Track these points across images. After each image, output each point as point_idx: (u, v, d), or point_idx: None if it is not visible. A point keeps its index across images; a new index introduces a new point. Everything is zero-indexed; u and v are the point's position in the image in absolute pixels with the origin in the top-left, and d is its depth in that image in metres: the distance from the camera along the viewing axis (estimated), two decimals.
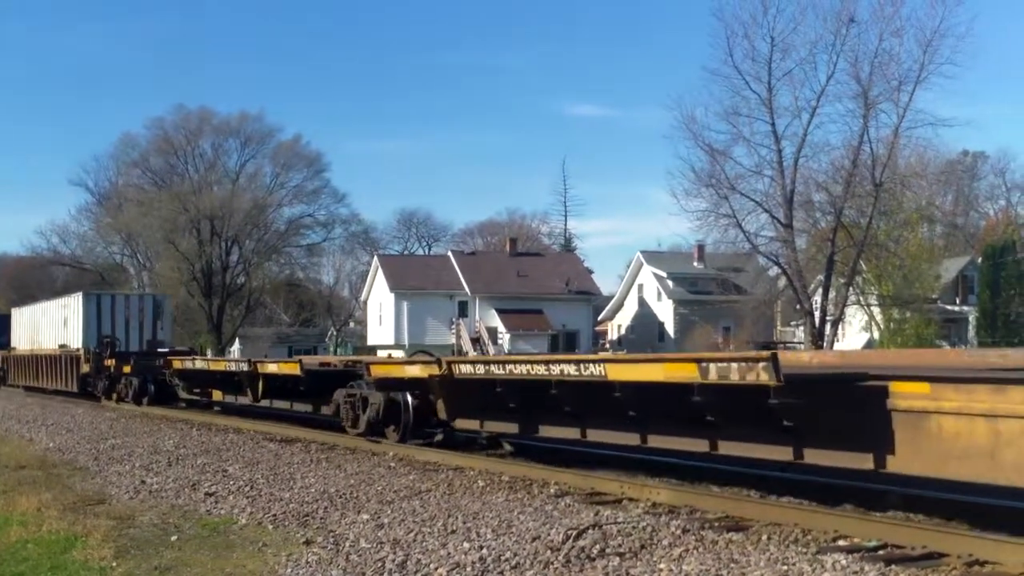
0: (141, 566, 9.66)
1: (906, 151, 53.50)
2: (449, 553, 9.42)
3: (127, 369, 32.60)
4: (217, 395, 26.81)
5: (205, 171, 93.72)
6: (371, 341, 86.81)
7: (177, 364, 27.75)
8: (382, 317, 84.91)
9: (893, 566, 8.39)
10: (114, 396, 33.61)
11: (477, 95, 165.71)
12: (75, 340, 38.11)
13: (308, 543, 10.30)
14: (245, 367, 22.06)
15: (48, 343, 42.31)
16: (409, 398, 16.56)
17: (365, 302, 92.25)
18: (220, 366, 25.11)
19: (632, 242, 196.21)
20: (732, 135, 53.87)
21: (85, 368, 35.63)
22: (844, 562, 8.47)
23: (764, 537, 9.60)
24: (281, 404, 22.96)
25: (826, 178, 54.03)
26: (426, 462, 15.78)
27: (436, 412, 15.82)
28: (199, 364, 26.90)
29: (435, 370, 14.92)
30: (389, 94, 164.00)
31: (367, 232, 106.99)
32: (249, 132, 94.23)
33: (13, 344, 49.13)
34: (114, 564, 9.75)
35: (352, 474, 14.83)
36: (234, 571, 9.38)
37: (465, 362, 14.89)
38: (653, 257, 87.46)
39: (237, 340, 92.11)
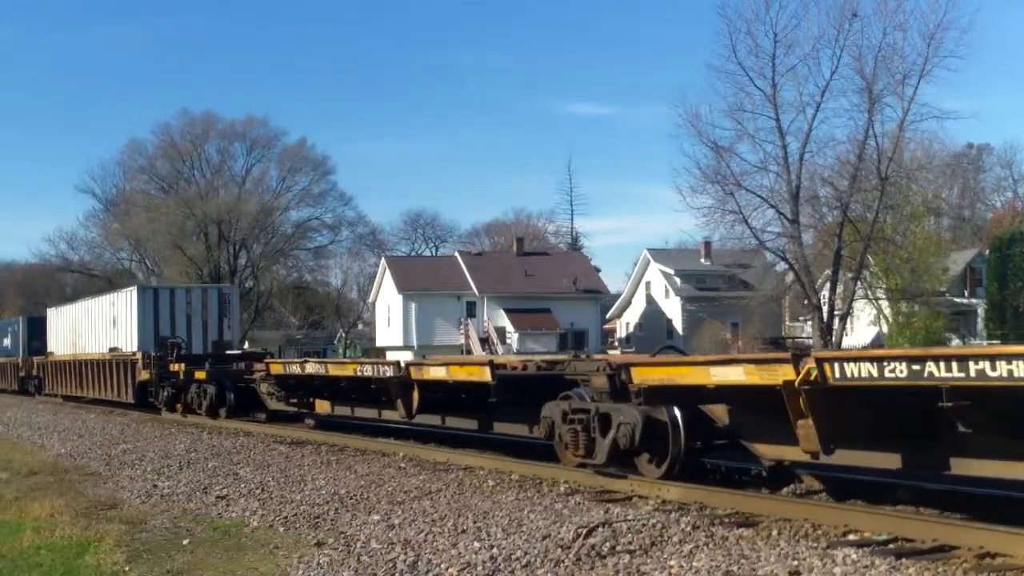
0: (153, 570, 9.72)
1: (911, 144, 53.45)
2: (460, 553, 9.45)
3: (201, 375, 27.22)
4: (322, 407, 21.74)
5: (212, 175, 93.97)
6: (380, 343, 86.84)
7: (277, 369, 22.48)
8: (390, 318, 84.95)
9: (904, 559, 8.40)
10: (178, 407, 28.86)
11: (480, 95, 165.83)
12: (128, 342, 32.99)
13: (319, 545, 10.34)
14: (391, 372, 17.14)
15: (93, 346, 36.96)
16: (678, 415, 11.76)
17: (373, 304, 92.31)
18: (347, 371, 19.12)
19: (639, 240, 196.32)
20: (737, 131, 53.88)
21: (144, 375, 30.53)
22: (855, 556, 8.49)
23: (774, 532, 9.62)
24: (429, 419, 18.02)
25: (832, 173, 54.02)
26: (436, 462, 15.81)
27: (796, 437, 10.15)
28: (313, 369, 20.49)
29: (789, 373, 9.93)
30: (392, 95, 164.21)
31: (374, 234, 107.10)
32: (255, 136, 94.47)
33: (50, 348, 43.90)
34: (127, 568, 9.81)
35: (362, 475, 14.87)
36: (246, 574, 9.44)
37: (855, 359, 9.47)
38: (660, 254, 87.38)
39: (247, 343, 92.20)
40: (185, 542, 10.95)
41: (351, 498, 12.97)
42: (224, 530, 11.55)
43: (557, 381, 13.56)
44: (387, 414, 18.92)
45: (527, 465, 14.38)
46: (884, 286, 57.52)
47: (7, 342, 53.06)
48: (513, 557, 9.15)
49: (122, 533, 11.51)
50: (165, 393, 29.51)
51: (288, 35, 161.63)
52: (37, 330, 47.72)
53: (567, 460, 13.28)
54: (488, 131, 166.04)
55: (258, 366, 24.53)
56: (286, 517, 11.97)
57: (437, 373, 16.12)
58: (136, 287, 34.34)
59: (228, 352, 30.83)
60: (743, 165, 53.76)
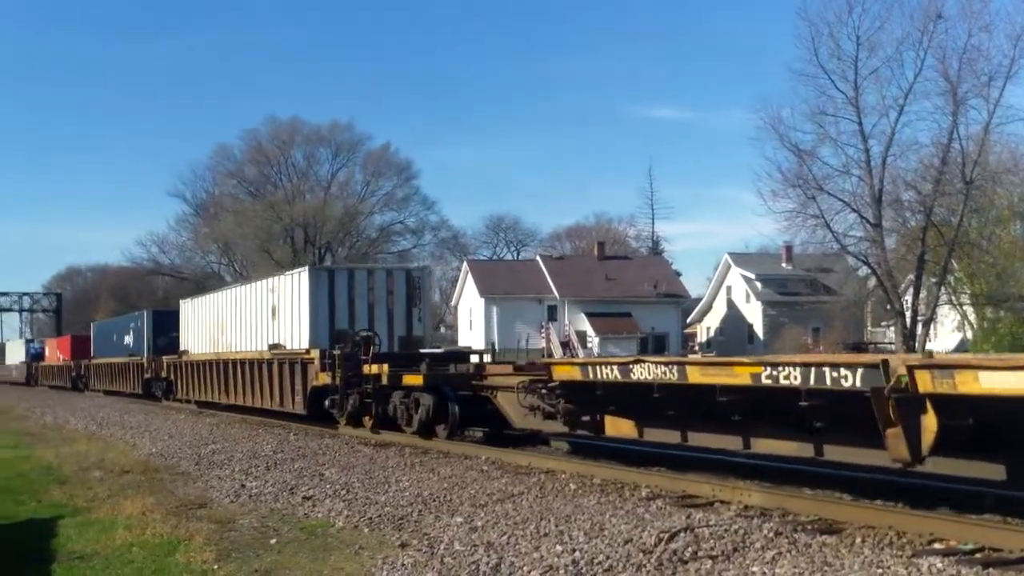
0: (242, 568, 9.91)
1: (997, 147, 52.45)
2: (542, 556, 9.52)
3: (414, 380, 20.12)
4: (619, 427, 15.04)
5: (298, 180, 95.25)
6: (462, 345, 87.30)
7: (568, 373, 14.90)
8: (472, 322, 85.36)
9: (991, 569, 8.33)
10: (366, 420, 22.32)
11: (562, 101, 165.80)
12: (295, 337, 26.39)
13: (403, 546, 10.47)
14: (862, 379, 9.87)
15: (244, 343, 30.53)
16: None
17: (455, 307, 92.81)
18: (733, 377, 11.53)
19: (719, 244, 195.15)
20: (819, 135, 53.28)
21: (321, 379, 23.77)
22: (940, 565, 8.43)
23: (858, 540, 9.57)
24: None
25: (915, 176, 53.19)
26: (518, 465, 15.91)
27: None
28: (650, 374, 12.79)
29: None
30: (474, 101, 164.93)
31: (456, 238, 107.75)
32: (340, 141, 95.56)
33: (184, 346, 37.31)
34: (215, 567, 10.01)
35: (445, 477, 15.00)
36: (331, 574, 9.59)
37: None
38: (741, 259, 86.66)
39: None
40: (272, 542, 11.15)
41: (434, 500, 13.11)
42: (310, 530, 11.74)
43: None
44: (783, 446, 12.39)
45: (609, 469, 14.43)
46: (969, 291, 56.48)
47: (128, 340, 48.00)
48: (595, 561, 9.20)
49: (211, 532, 11.74)
50: (351, 402, 22.63)
51: (372, 42, 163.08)
52: (164, 325, 42.63)
53: None
54: (569, 136, 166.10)
55: (495, 369, 19.86)
56: (370, 518, 12.13)
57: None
58: (308, 267, 27.02)
59: (431, 351, 24.67)
60: (825, 169, 53.20)
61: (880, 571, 8.39)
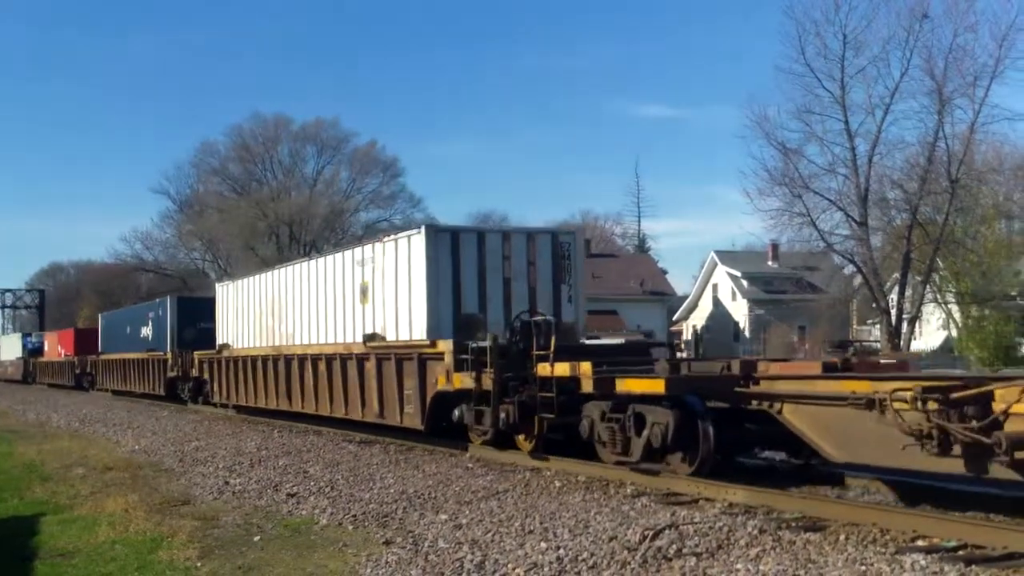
0: (225, 566, 9.90)
1: (982, 147, 52.58)
2: (526, 553, 9.53)
3: (644, 387, 13.29)
4: None
5: (283, 177, 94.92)
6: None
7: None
8: None
9: (973, 566, 8.36)
10: (521, 441, 16.29)
11: (549, 98, 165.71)
12: (404, 324, 19.30)
13: (388, 543, 10.47)
14: None
15: (316, 334, 23.55)
16: None
17: None
18: None
19: (706, 242, 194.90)
20: (805, 133, 53.29)
21: (456, 381, 17.07)
22: (923, 562, 8.45)
23: (842, 537, 9.60)
24: None
25: (901, 175, 53.28)
26: (503, 463, 15.91)
27: None
28: None
29: None
30: (461, 97, 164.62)
31: None
32: (325, 138, 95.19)
33: (223, 339, 30.82)
34: (199, 564, 9.99)
35: (430, 475, 15.00)
36: (315, 571, 9.58)
37: None
38: (727, 257, 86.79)
39: None
40: (256, 539, 11.13)
41: (419, 497, 13.11)
42: (294, 527, 11.72)
43: None
44: None
45: (593, 467, 14.43)
46: (954, 290, 56.76)
47: (146, 332, 41.51)
48: (579, 558, 9.21)
49: (194, 529, 11.72)
50: (507, 413, 15.79)
51: (355, 38, 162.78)
52: (192, 315, 37.33)
53: None
54: (553, 133, 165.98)
55: (785, 369, 13.00)
56: (355, 515, 12.13)
57: None
58: (424, 227, 19.33)
59: (598, 343, 19.46)
60: (811, 167, 53.22)
61: (864, 568, 8.41)
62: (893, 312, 52.24)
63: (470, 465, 15.97)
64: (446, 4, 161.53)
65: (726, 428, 13.06)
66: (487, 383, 16.12)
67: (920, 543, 9.25)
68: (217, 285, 33.05)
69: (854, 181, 51.89)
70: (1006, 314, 57.63)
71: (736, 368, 13.01)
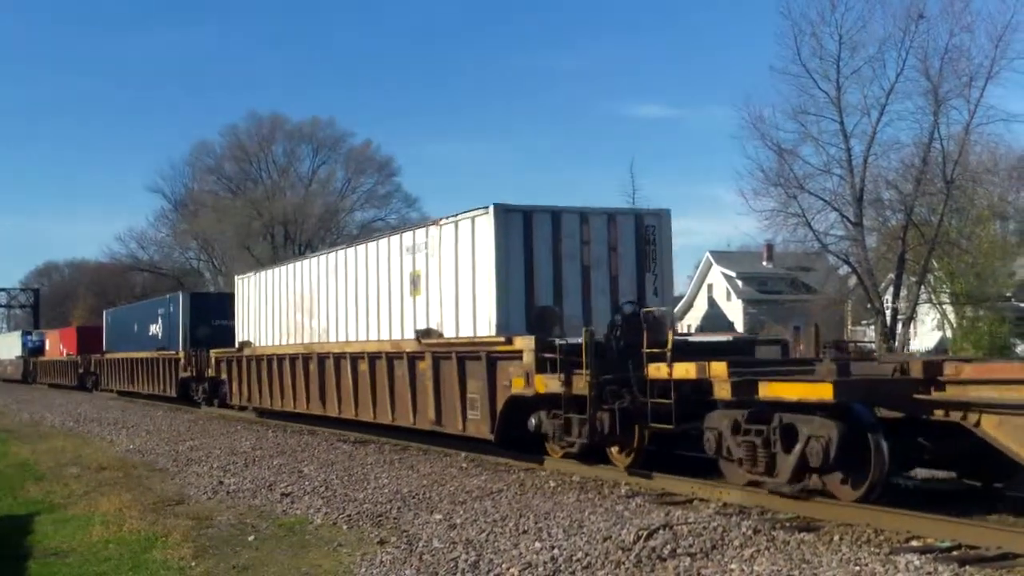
0: (219, 565, 9.89)
1: (977, 148, 52.55)
2: (521, 553, 9.52)
3: (806, 393, 10.77)
4: None
5: (278, 177, 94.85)
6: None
7: None
8: None
9: (968, 566, 8.36)
10: (616, 452, 14.17)
11: (545, 98, 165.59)
12: (466, 318, 16.95)
13: (382, 543, 10.46)
14: None
15: (351, 330, 21.23)
16: None
17: None
18: None
19: (701, 242, 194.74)
20: (800, 134, 53.27)
21: (538, 385, 14.61)
22: (917, 562, 8.46)
23: (836, 537, 9.60)
24: None
25: (896, 176, 53.29)
26: (497, 463, 15.90)
27: None
28: None
29: None
30: (456, 97, 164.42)
31: None
32: (321, 137, 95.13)
33: (244, 337, 28.48)
34: (193, 563, 9.99)
35: (425, 474, 14.99)
36: (310, 570, 9.57)
37: None
38: (722, 257, 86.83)
39: None
40: (250, 538, 11.12)
41: (413, 497, 13.10)
42: (288, 527, 11.71)
43: None
44: None
45: (588, 467, 14.41)
46: (949, 290, 56.83)
47: (155, 329, 39.52)
48: (574, 558, 9.21)
49: (189, 528, 11.71)
50: (602, 423, 13.41)
51: (352, 37, 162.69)
52: (206, 312, 35.62)
53: None
54: (550, 133, 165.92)
55: (982, 372, 10.47)
56: (349, 515, 12.11)
57: None
58: (492, 207, 16.53)
59: (696, 339, 17.75)
60: (806, 168, 53.21)
61: (858, 568, 8.42)
62: (888, 312, 52.34)
63: (464, 465, 15.96)
64: (444, 3, 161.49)
65: (895, 443, 10.85)
66: (580, 387, 13.66)
67: (915, 543, 9.26)
68: (237, 278, 30.49)
69: (849, 182, 51.92)
70: (1001, 315, 57.72)
71: (916, 370, 10.71)
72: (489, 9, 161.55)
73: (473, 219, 16.71)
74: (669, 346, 12.79)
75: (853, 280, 57.49)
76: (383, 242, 20.19)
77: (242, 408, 29.12)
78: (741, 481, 11.78)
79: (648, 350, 13.04)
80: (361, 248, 21.24)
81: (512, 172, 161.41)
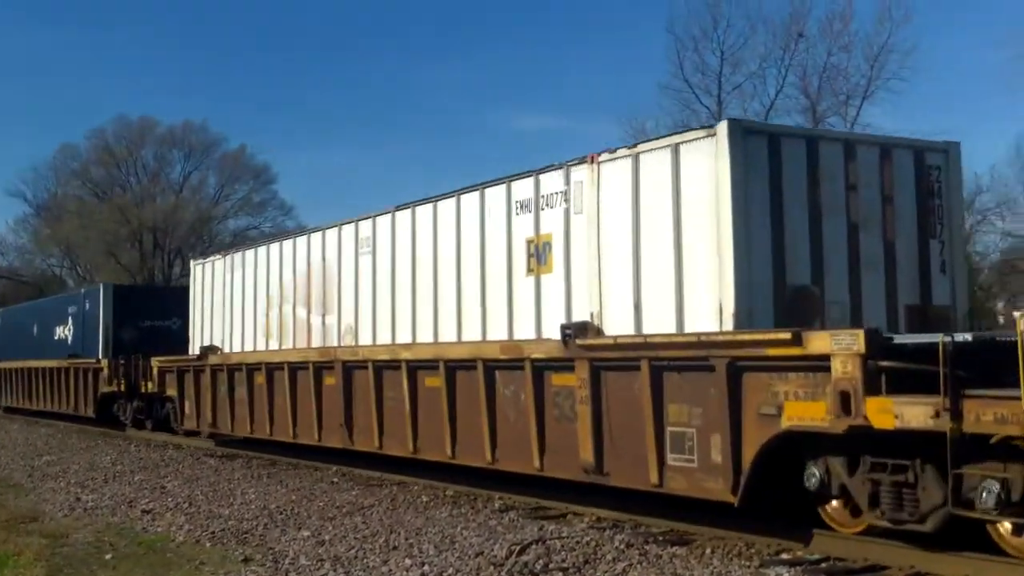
0: None
1: None
2: (391, 570, 9.34)
3: None
4: None
5: (148, 182, 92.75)
6: None
7: None
8: None
9: None
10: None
11: (423, 106, 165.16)
12: (660, 305, 11.06)
13: (247, 561, 10.15)
14: None
15: (407, 329, 15.26)
16: None
17: None
18: None
19: None
20: None
21: (861, 413, 8.36)
22: (787, 575, 8.51)
23: (708, 551, 9.61)
24: None
25: None
26: (369, 477, 15.65)
27: None
28: None
29: None
30: (333, 105, 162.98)
31: None
32: (193, 142, 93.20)
33: (205, 341, 21.79)
34: None
35: (294, 490, 14.69)
36: None
37: None
38: None
39: None
40: (107, 557, 10.70)
41: (281, 513, 12.79)
42: (149, 545, 11.31)
43: None
44: None
45: (459, 482, 14.24)
46: None
47: (63, 332, 32.26)
48: (444, 575, 9.05)
49: (42, 547, 11.24)
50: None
51: (225, 41, 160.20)
52: (135, 310, 28.53)
53: None
54: (430, 143, 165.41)
55: None
56: (213, 532, 11.75)
57: None
58: (727, 122, 10.72)
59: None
60: None
61: None
62: None
63: (335, 480, 15.67)
64: (325, 5, 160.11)
65: None
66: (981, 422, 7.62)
67: (784, 556, 9.31)
68: (194, 264, 23.61)
69: None
70: None
71: None
72: (371, 19, 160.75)
73: (676, 147, 11.14)
74: None
75: None
76: (468, 197, 14.07)
77: (190, 434, 22.74)
78: None
79: None
80: (423, 210, 15.03)
81: (392, 183, 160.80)
